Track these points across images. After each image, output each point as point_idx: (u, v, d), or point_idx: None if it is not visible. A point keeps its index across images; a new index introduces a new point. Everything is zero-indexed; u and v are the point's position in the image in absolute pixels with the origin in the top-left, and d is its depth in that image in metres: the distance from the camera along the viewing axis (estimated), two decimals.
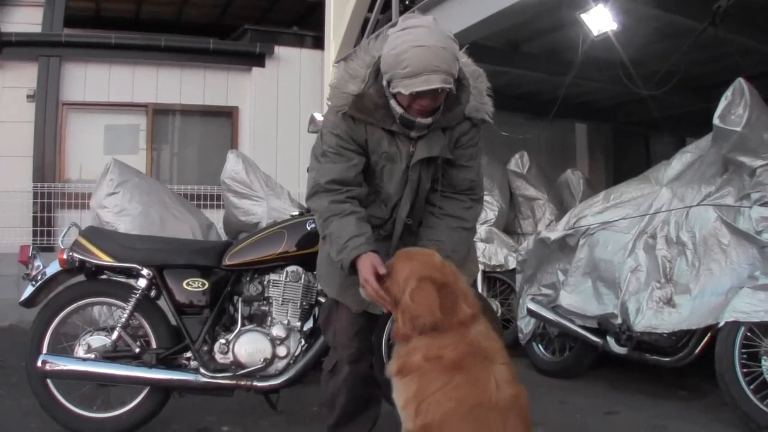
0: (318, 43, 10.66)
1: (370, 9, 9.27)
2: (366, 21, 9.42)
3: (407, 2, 8.54)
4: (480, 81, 2.88)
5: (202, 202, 8.90)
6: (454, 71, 2.61)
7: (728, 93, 4.29)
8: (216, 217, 7.18)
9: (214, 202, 9.07)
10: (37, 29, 9.99)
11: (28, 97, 9.67)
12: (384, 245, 2.97)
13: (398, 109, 2.74)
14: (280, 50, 10.64)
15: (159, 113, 10.34)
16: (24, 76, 9.68)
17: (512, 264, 6.00)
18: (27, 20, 10.02)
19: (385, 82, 2.71)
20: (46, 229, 9.09)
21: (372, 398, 3.28)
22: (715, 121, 4.27)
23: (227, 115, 10.62)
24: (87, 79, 9.98)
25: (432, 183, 2.98)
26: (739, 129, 4.14)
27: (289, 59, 10.70)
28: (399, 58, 2.57)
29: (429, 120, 2.76)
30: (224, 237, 6.30)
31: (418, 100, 2.64)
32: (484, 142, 3.15)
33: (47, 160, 9.58)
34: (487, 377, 2.47)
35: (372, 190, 2.96)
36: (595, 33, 6.60)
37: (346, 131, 2.83)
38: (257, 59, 10.54)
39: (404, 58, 2.55)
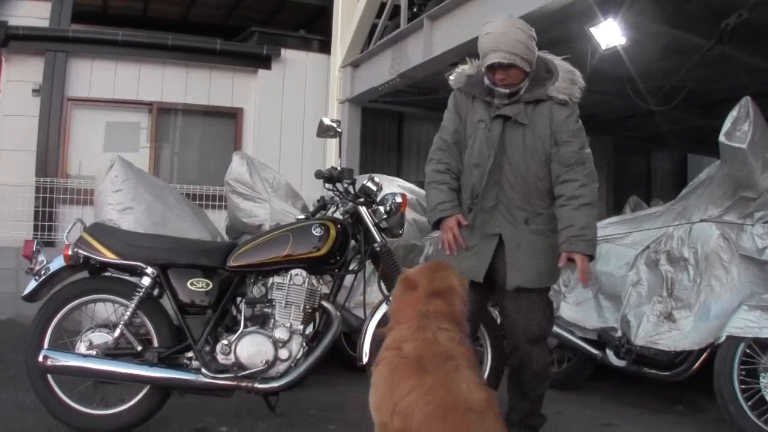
0: (324, 48, 10.69)
1: (378, 15, 9.30)
2: (374, 27, 9.44)
3: (415, 9, 8.57)
4: (572, 74, 3.50)
5: (203, 203, 8.89)
6: (515, 50, 3.29)
7: (734, 111, 4.28)
8: (216, 217, 7.18)
9: (215, 203, 9.07)
10: (45, 24, 10.02)
11: (33, 91, 9.68)
12: (487, 215, 3.51)
13: (486, 82, 3.47)
14: (286, 53, 10.68)
15: (163, 112, 10.36)
16: (30, 70, 9.69)
17: None
18: (34, 14, 10.03)
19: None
20: (47, 223, 9.06)
21: None
22: (721, 138, 4.26)
23: (232, 116, 10.64)
24: (93, 76, 10.00)
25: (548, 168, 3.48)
26: (744, 146, 4.15)
27: (295, 62, 10.74)
28: (478, 45, 3.41)
29: (506, 90, 3.42)
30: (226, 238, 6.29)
31: (494, 74, 3.38)
32: None
33: (50, 154, 9.59)
34: (457, 380, 2.50)
35: (469, 163, 3.54)
36: (604, 47, 6.63)
37: (454, 105, 3.63)
38: (263, 61, 10.57)
39: (479, 44, 3.40)
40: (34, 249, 3.95)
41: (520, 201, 3.46)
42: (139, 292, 3.80)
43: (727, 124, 4.27)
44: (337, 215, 4.14)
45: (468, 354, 2.68)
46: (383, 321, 3.52)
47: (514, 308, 3.45)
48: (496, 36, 3.32)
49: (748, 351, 3.91)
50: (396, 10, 8.87)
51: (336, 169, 4.18)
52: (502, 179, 3.47)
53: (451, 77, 3.70)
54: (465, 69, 3.64)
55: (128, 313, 3.78)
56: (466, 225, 3.51)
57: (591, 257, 3.37)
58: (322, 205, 4.24)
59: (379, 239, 3.96)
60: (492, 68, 3.35)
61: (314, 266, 3.85)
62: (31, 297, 3.97)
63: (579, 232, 3.30)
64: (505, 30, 3.33)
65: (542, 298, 3.53)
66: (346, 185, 4.14)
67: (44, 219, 9.10)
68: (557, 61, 3.56)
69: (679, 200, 4.88)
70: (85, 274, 3.98)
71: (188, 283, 3.85)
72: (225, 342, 3.73)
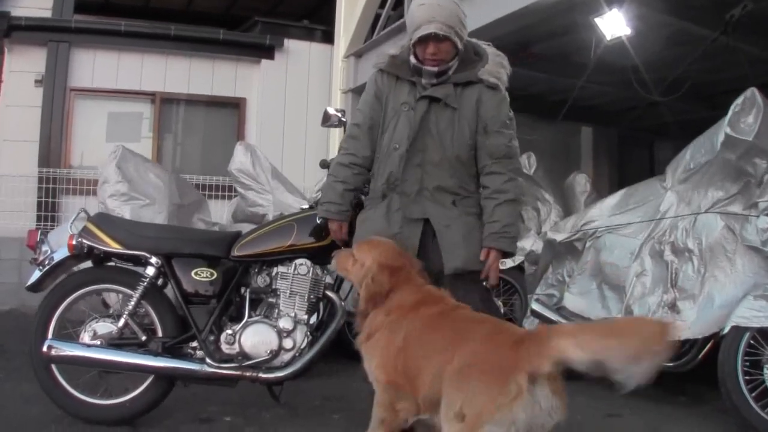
0: (328, 38, 10.67)
1: (381, 5, 9.28)
2: (377, 17, 9.42)
3: None
4: (501, 58, 3.41)
5: (206, 193, 8.87)
6: (451, 23, 3.18)
7: (739, 102, 4.27)
8: (219, 208, 7.17)
9: (218, 193, 9.10)
10: (47, 14, 10.00)
11: (36, 81, 9.67)
12: (409, 200, 3.36)
13: (413, 60, 3.33)
14: (289, 43, 10.67)
15: (166, 102, 10.36)
16: (32, 60, 9.68)
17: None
18: (37, 5, 10.00)
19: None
20: (50, 214, 9.08)
21: None
22: (726, 129, 4.26)
23: (234, 106, 10.63)
24: (95, 66, 9.99)
25: (473, 153, 3.38)
26: (750, 138, 4.13)
27: (298, 52, 10.72)
28: (409, 18, 3.29)
29: (435, 68, 3.28)
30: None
31: (425, 48, 3.24)
32: None
33: (53, 145, 9.59)
34: (444, 301, 2.88)
35: (388, 147, 3.40)
36: (609, 37, 6.62)
37: (374, 88, 3.48)
38: (266, 51, 10.56)
39: (411, 17, 3.26)
40: (38, 239, 3.95)
41: (446, 184, 3.34)
42: (144, 281, 3.79)
43: (729, 115, 4.26)
44: None
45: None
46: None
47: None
48: (431, 7, 3.19)
49: (752, 342, 3.91)
50: (399, 0, 8.85)
51: None
52: (425, 162, 3.33)
53: (373, 63, 3.58)
54: (390, 51, 3.52)
55: (132, 303, 3.77)
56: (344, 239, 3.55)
57: (511, 254, 3.50)
58: None
59: None
60: (424, 41, 3.21)
61: (318, 256, 3.82)
62: (35, 287, 3.98)
63: (502, 230, 3.27)
64: (441, 2, 3.20)
65: (479, 284, 3.38)
66: None
67: (47, 209, 9.11)
68: (483, 45, 3.47)
69: (679, 183, 4.85)
70: (89, 264, 3.98)
71: (192, 273, 3.84)
72: (229, 332, 3.72)
